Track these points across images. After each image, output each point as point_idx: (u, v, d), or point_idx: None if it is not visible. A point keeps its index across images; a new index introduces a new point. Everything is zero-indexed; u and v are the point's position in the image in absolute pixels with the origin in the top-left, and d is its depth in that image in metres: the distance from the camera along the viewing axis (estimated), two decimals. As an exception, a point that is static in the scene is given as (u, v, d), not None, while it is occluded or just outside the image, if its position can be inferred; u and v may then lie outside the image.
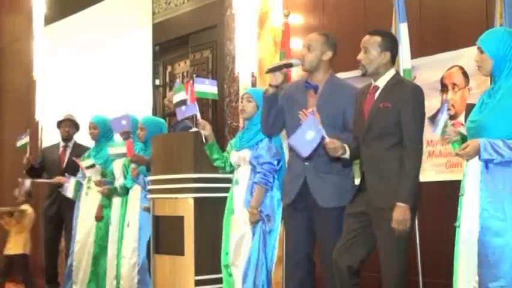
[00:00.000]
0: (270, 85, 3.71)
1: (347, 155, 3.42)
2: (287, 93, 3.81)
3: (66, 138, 6.41)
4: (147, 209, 5.00)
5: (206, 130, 4.22)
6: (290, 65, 3.75)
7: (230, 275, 4.15)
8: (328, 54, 3.71)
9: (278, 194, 4.02)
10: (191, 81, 4.45)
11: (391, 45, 3.45)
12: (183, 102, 4.40)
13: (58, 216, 6.37)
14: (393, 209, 3.24)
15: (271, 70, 3.69)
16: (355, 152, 3.47)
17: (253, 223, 4.00)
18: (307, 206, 3.66)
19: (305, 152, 3.37)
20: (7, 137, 9.09)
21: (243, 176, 4.13)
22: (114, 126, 5.20)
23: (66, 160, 6.32)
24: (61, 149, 6.43)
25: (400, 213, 3.23)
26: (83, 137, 6.33)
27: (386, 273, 3.30)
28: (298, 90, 3.79)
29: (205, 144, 4.26)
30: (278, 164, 4.04)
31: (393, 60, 3.49)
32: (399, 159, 3.29)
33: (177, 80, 4.75)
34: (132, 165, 5.17)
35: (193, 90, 4.34)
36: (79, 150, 6.28)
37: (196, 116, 4.36)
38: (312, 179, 3.64)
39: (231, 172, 4.30)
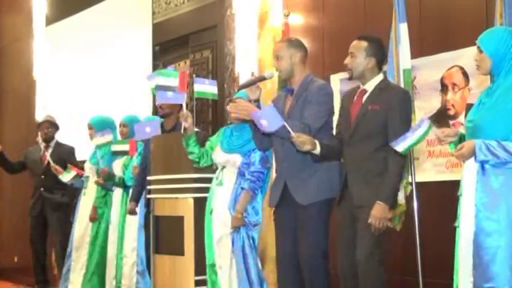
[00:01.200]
0: (250, 101, 3.71)
1: (317, 151, 3.40)
2: (273, 103, 3.83)
3: (46, 140, 6.46)
4: (131, 212, 5.03)
5: (187, 122, 4.19)
6: (263, 78, 3.77)
7: (215, 274, 4.16)
8: (297, 56, 3.74)
9: (260, 202, 4.10)
10: (187, 72, 4.35)
11: (376, 51, 3.50)
12: (166, 88, 4.22)
13: (42, 216, 6.40)
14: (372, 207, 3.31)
15: (243, 86, 3.73)
16: (329, 151, 3.48)
17: (235, 228, 4.03)
18: (290, 207, 3.68)
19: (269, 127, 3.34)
20: (7, 137, 9.09)
21: (228, 179, 4.16)
22: (137, 132, 4.89)
23: (47, 160, 6.34)
24: (42, 149, 6.46)
25: (379, 211, 3.30)
26: (83, 137, 6.31)
27: (363, 267, 3.34)
28: (280, 98, 3.86)
29: (183, 135, 4.24)
30: (267, 172, 4.12)
31: (380, 66, 3.54)
32: (382, 162, 3.36)
33: (171, 66, 4.59)
34: (134, 164, 5.17)
35: (187, 80, 4.22)
36: (60, 150, 6.37)
37: (181, 106, 4.28)
38: (290, 179, 3.67)
39: (206, 168, 4.34)
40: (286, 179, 3.68)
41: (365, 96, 3.49)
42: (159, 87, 4.20)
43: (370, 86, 3.49)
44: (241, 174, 4.10)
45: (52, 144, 6.45)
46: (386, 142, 3.31)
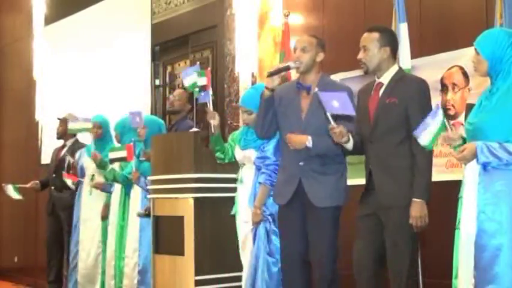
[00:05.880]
0: (267, 88, 3.72)
1: (350, 145, 3.37)
2: (278, 95, 3.83)
3: (58, 137, 6.47)
4: (142, 215, 5.03)
5: (216, 120, 4.19)
6: (288, 68, 3.78)
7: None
8: (321, 56, 3.76)
9: None
10: (209, 70, 4.47)
11: (389, 39, 3.45)
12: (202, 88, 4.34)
13: (55, 214, 6.38)
14: (407, 207, 3.26)
15: (272, 74, 3.71)
16: (358, 146, 3.44)
17: (256, 223, 3.99)
18: (302, 206, 3.68)
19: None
20: (7, 137, 9.10)
21: (247, 176, 4.12)
22: (131, 121, 5.09)
23: (58, 159, 6.36)
24: (59, 148, 6.47)
25: (417, 209, 3.25)
26: (84, 137, 6.32)
27: (397, 273, 3.30)
28: (290, 92, 3.82)
29: (212, 135, 4.22)
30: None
31: (394, 55, 3.48)
32: (408, 156, 3.29)
33: (197, 63, 4.66)
34: (133, 169, 5.17)
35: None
36: (73, 149, 6.30)
37: (207, 104, 4.29)
38: (307, 179, 3.66)
39: (230, 165, 4.32)
40: (302, 178, 3.66)
41: (381, 90, 3.42)
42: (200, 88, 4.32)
43: (386, 78, 3.42)
44: (258, 169, 4.07)
45: (69, 143, 6.40)
46: (408, 135, 3.25)
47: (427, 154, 3.27)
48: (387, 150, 3.35)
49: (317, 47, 3.75)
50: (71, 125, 5.89)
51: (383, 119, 3.36)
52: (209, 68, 4.59)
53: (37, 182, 6.60)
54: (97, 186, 5.67)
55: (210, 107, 4.25)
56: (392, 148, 3.34)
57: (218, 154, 4.27)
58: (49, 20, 8.33)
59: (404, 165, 3.30)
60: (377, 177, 3.37)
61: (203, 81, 4.31)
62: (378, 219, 3.38)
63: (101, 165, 5.50)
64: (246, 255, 4.08)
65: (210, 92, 4.29)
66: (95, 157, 5.51)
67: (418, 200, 3.25)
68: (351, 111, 3.24)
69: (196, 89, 4.37)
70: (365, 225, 3.43)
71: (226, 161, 4.29)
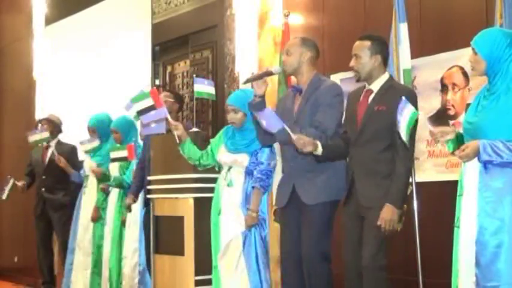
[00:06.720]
0: (255, 95, 3.71)
1: (318, 152, 3.42)
2: (281, 101, 3.84)
3: None
4: (104, 190, 5.16)
5: (179, 130, 4.20)
6: (270, 73, 3.76)
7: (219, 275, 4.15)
8: (307, 55, 3.76)
9: (265, 201, 4.09)
10: (155, 88, 4.57)
11: (381, 48, 3.51)
12: (148, 109, 4.38)
13: (45, 215, 6.38)
14: (381, 209, 3.32)
15: (248, 80, 3.73)
16: (333, 151, 3.49)
17: (250, 227, 4.01)
18: (297, 207, 3.71)
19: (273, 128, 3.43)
20: (7, 137, 9.09)
21: (237, 179, 4.13)
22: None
23: (47, 159, 6.35)
24: (43, 149, 6.46)
25: (388, 213, 3.31)
26: (83, 137, 6.31)
27: (368, 268, 3.36)
28: (288, 97, 3.87)
29: (179, 144, 4.24)
30: (274, 167, 4.11)
31: (385, 63, 3.54)
32: (390, 162, 3.36)
33: (140, 89, 4.70)
34: (134, 168, 5.18)
35: (158, 96, 4.40)
36: (61, 149, 6.32)
37: (167, 119, 4.31)
38: (299, 179, 3.69)
39: (206, 170, 4.35)
40: (295, 180, 3.69)
41: (371, 97, 3.48)
42: (141, 112, 4.41)
43: (376, 86, 3.49)
44: (248, 173, 4.08)
45: (53, 143, 6.41)
46: (393, 143, 3.34)
47: (405, 162, 3.35)
48: (371, 156, 3.42)
49: (301, 47, 3.76)
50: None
51: (370, 126, 3.43)
52: (154, 87, 4.83)
53: (24, 182, 6.58)
54: (102, 190, 5.66)
55: (169, 119, 4.26)
56: (375, 154, 3.41)
57: (192, 161, 4.29)
58: (49, 20, 8.32)
59: (385, 171, 3.38)
60: (358, 179, 3.45)
61: (149, 102, 4.38)
62: (360, 220, 3.45)
63: (104, 179, 5.51)
64: (229, 258, 4.06)
65: (164, 108, 4.28)
66: (96, 173, 5.50)
67: (390, 205, 3.32)
68: (278, 127, 3.37)
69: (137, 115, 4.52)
70: (350, 227, 3.50)
71: (201, 166, 4.30)
